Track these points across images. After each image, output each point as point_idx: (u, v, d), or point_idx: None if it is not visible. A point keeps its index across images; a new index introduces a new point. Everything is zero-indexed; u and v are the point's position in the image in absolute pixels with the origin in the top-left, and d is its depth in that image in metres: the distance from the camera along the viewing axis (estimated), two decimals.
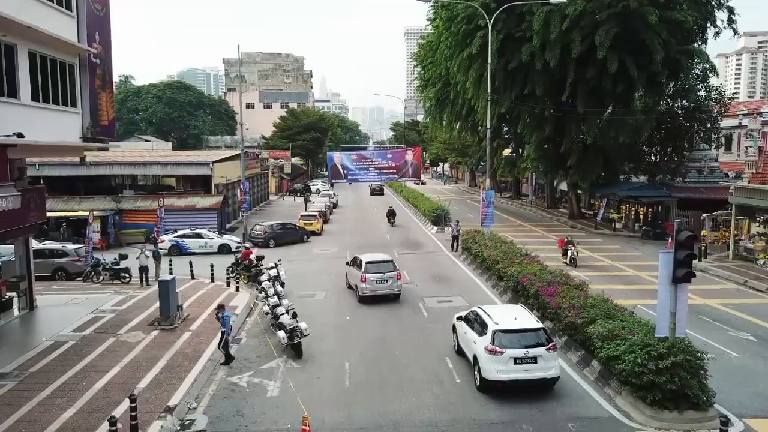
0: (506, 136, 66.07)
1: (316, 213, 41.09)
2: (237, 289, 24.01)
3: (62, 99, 18.38)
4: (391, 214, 43.97)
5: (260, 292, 20.74)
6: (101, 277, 25.46)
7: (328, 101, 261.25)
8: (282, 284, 23.13)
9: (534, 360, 13.01)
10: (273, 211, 54.82)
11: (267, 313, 18.23)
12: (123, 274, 25.41)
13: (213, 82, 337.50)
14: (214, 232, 36.17)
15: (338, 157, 34.65)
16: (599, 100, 38.35)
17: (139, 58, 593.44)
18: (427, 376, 14.82)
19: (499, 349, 13.03)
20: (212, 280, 25.99)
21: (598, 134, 38.17)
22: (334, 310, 21.10)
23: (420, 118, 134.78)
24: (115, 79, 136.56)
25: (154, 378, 14.36)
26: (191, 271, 26.78)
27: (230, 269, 26.03)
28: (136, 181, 50.42)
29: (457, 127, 66.32)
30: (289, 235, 36.28)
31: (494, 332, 13.32)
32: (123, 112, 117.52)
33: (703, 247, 29.60)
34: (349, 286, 23.73)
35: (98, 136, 20.52)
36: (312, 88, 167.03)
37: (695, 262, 29.47)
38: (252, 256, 26.58)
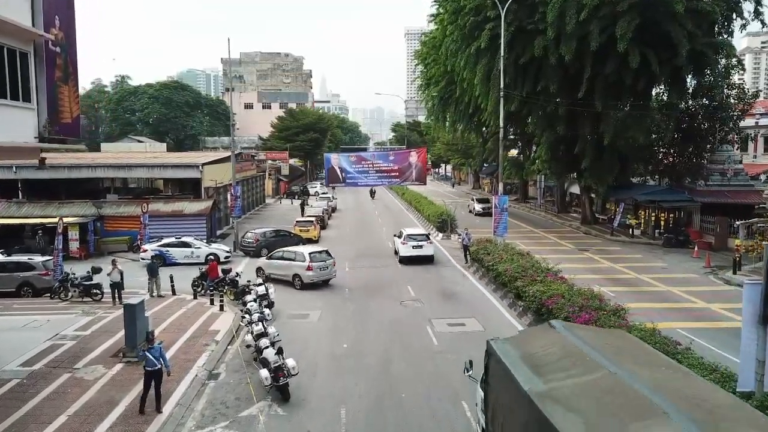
0: (512, 137, 63.46)
1: (313, 219, 38.37)
2: (221, 308, 21.33)
3: (11, 92, 15.65)
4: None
5: (245, 314, 18.06)
6: (70, 294, 22.78)
7: (328, 102, 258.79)
8: (270, 304, 20.47)
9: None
10: (268, 216, 52.10)
11: (249, 346, 15.52)
12: (94, 291, 22.71)
13: (213, 83, 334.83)
14: (202, 240, 33.51)
15: (336, 159, 31.90)
16: (617, 97, 35.68)
17: (140, 59, 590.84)
18: (439, 426, 12.16)
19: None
20: (195, 297, 23.34)
21: (615, 134, 35.52)
22: (330, 335, 18.41)
23: (421, 118, 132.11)
24: (111, 79, 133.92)
25: None
26: (172, 286, 24.10)
27: (195, 283, 23.45)
28: (127, 184, 47.87)
29: (461, 127, 63.67)
30: (283, 243, 33.26)
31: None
32: (119, 113, 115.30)
33: (737, 258, 26.87)
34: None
35: (58, 135, 17.86)
36: (311, 88, 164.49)
37: (730, 274, 26.98)
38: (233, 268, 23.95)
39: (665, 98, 40.07)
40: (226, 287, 23.61)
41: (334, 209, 55.39)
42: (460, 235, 37.65)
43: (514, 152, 66.71)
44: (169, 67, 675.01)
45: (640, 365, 7.56)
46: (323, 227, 42.50)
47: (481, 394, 9.89)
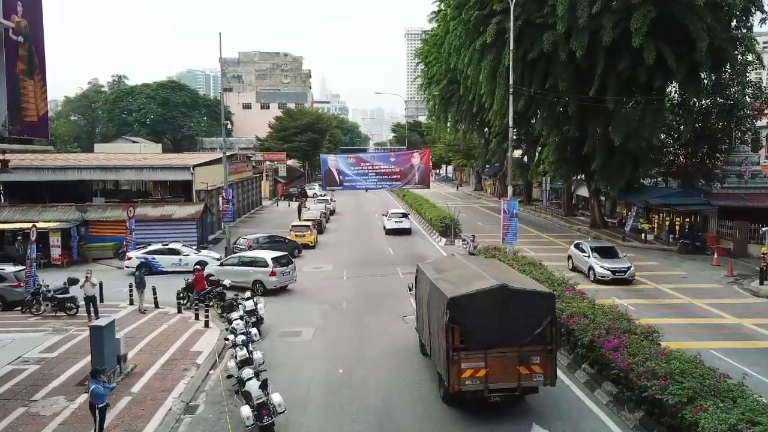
0: (516, 137, 61.67)
1: (310, 224, 36.49)
2: (206, 324, 19.49)
3: None
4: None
5: (230, 334, 16.22)
6: (42, 308, 20.93)
7: (328, 102, 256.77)
8: (259, 320, 18.64)
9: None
10: (264, 219, 50.27)
11: (230, 376, 13.64)
12: (69, 305, 20.87)
13: (213, 84, 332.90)
14: (192, 246, 31.69)
15: (333, 161, 29.99)
16: (630, 95, 33.86)
17: (139, 59, 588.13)
18: None
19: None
20: (179, 310, 21.48)
21: (628, 134, 33.72)
22: (325, 357, 16.56)
23: (421, 118, 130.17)
24: (108, 79, 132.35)
25: None
26: (155, 298, 22.25)
27: (181, 295, 21.76)
28: (120, 187, 45.96)
29: (462, 127, 61.91)
30: (277, 250, 31.64)
31: None
32: (115, 113, 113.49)
33: (763, 267, 25.01)
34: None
35: (21, 135, 16.05)
36: (311, 88, 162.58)
37: (757, 285, 25.11)
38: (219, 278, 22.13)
39: (678, 97, 38.39)
40: (213, 300, 21.83)
41: (332, 212, 53.56)
42: (464, 240, 35.86)
43: (518, 153, 64.90)
44: (168, 67, 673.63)
45: (491, 268, 14.62)
46: (321, 231, 40.67)
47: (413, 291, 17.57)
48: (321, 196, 56.47)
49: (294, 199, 63.91)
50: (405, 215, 41.57)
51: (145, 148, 75.55)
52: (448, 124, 66.15)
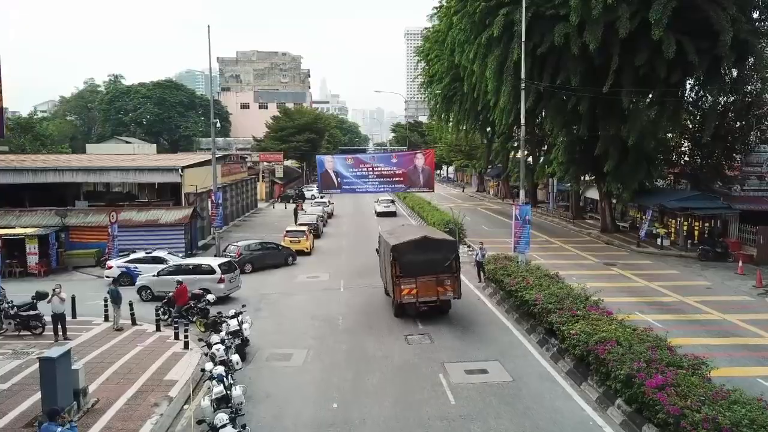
0: (519, 137, 59.65)
1: (305, 229, 34.38)
2: (186, 345, 17.42)
3: None
4: None
5: (209, 360, 14.19)
6: (4, 327, 18.86)
7: (327, 102, 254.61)
8: (245, 342, 16.61)
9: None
10: (258, 223, 48.17)
11: (200, 421, 11.51)
12: (33, 323, 18.80)
13: (212, 84, 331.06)
14: (179, 253, 29.66)
15: (330, 162, 27.81)
16: (645, 92, 31.82)
17: (138, 59, 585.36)
18: None
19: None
20: (157, 328, 19.43)
21: (643, 133, 31.71)
22: (316, 387, 14.49)
23: (422, 119, 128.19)
24: (104, 78, 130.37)
25: None
26: (132, 314, 20.18)
27: (161, 310, 19.87)
28: (110, 189, 43.86)
29: (465, 126, 59.91)
30: (270, 257, 29.67)
31: None
32: (111, 113, 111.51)
33: None
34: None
35: None
36: (309, 87, 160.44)
37: None
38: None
39: (694, 94, 36.38)
40: (195, 317, 19.79)
41: (330, 215, 51.49)
42: (469, 246, 33.81)
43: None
44: (168, 67, 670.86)
45: (422, 229, 24.66)
46: (317, 236, 38.61)
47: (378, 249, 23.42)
48: (318, 198, 54.32)
49: (291, 201, 61.80)
50: (392, 201, 52.64)
51: (139, 149, 73.58)
52: (450, 124, 64.11)
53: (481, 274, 25.10)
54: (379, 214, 50.17)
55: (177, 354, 16.85)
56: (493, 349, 16.98)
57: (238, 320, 16.79)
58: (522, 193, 24.43)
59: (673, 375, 10.98)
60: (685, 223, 33.22)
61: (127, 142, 78.25)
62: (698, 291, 24.06)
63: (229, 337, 16.09)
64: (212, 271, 22.88)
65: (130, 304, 20.17)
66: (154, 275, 23.68)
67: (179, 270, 23.42)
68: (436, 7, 53.65)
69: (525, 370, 15.22)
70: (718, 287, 24.83)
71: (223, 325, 16.98)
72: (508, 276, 20.72)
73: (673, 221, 34.23)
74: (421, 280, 18.87)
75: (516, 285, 19.31)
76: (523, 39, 24.67)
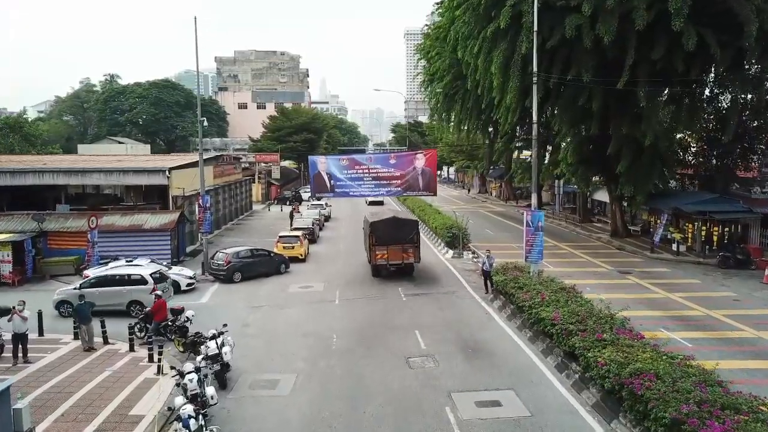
0: (525, 137, 57.76)
1: (299, 234, 32.43)
2: (159, 370, 15.46)
3: None
4: None
5: (179, 394, 12.27)
6: None
7: (327, 102, 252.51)
8: (224, 368, 14.68)
9: None
10: (252, 227, 46.20)
11: None
12: None
13: (210, 84, 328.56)
14: (164, 261, 27.75)
15: (323, 163, 25.79)
16: (661, 88, 29.90)
17: (138, 60, 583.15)
18: None
19: None
20: (131, 348, 17.49)
21: (660, 133, 29.80)
22: (305, 423, 12.55)
23: (422, 119, 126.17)
24: (100, 78, 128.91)
25: None
26: (104, 332, 18.24)
27: (137, 326, 18.14)
28: (100, 191, 41.81)
29: (466, 126, 58.03)
30: (260, 266, 27.70)
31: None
32: (106, 113, 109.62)
33: None
34: None
35: None
36: (308, 87, 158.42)
37: None
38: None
39: (708, 91, 34.48)
40: (173, 336, 17.85)
41: (327, 218, 49.64)
42: (474, 253, 31.91)
43: (526, 154, 60.99)
44: (167, 67, 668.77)
45: (395, 211, 35.76)
46: (313, 241, 36.64)
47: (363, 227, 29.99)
48: (315, 201, 52.39)
49: (288, 203, 59.87)
50: (381, 203, 55.66)
51: (132, 150, 71.54)
52: (451, 124, 62.22)
53: (489, 284, 23.17)
54: (370, 203, 53.89)
55: (149, 381, 14.90)
56: (506, 374, 15.03)
57: (217, 342, 14.85)
58: (534, 197, 22.42)
59: (733, 424, 9.04)
60: (703, 227, 31.27)
61: (120, 143, 76.20)
62: (725, 303, 22.12)
63: (208, 362, 14.21)
64: (143, 281, 21.07)
65: (102, 323, 18.20)
66: (75, 288, 21.44)
67: (104, 281, 21.37)
68: (438, 2, 51.80)
69: (544, 402, 13.28)
70: (746, 299, 22.88)
71: (202, 347, 15.12)
72: (520, 289, 18.77)
73: (690, 226, 32.29)
74: (391, 248, 25.52)
75: (530, 300, 17.37)
76: (535, 27, 22.58)
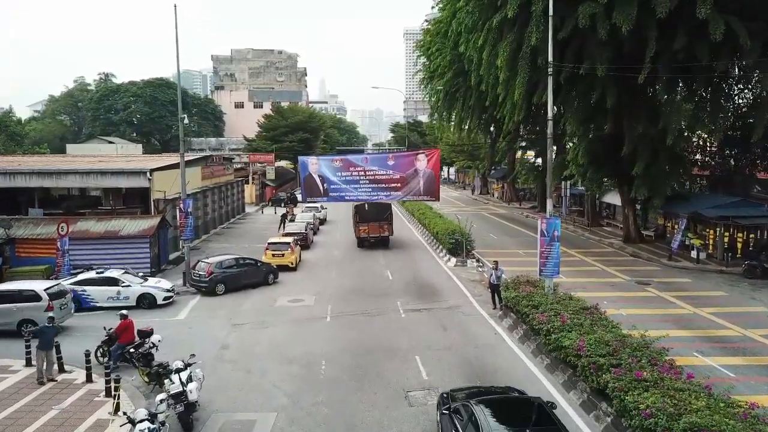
0: (527, 135, 55.59)
1: (290, 240, 30.10)
2: (116, 408, 13.13)
3: None
4: None
5: None
6: None
7: (326, 102, 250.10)
8: (189, 407, 12.36)
9: None
10: (243, 231, 43.88)
11: None
12: None
13: (208, 83, 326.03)
14: (142, 271, 25.48)
15: (315, 165, 23.51)
16: (685, 82, 27.65)
17: (137, 60, 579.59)
18: None
19: None
20: (88, 378, 15.17)
21: (681, 131, 27.57)
22: None
23: (422, 118, 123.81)
24: (95, 76, 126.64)
25: None
26: (59, 358, 15.90)
27: (100, 351, 16.16)
28: (87, 193, 39.42)
29: (467, 125, 55.85)
30: (246, 276, 25.36)
31: None
32: (100, 112, 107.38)
33: None
34: None
35: None
36: (306, 86, 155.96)
37: None
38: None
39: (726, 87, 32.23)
40: (137, 364, 15.52)
41: (323, 221, 47.31)
42: (479, 261, 29.61)
43: (530, 154, 58.80)
44: (166, 67, 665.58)
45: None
46: (306, 247, 34.30)
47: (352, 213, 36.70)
48: (310, 203, 50.02)
49: (282, 204, 57.58)
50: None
51: (123, 149, 69.29)
52: (452, 122, 60.05)
53: (497, 299, 20.87)
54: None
55: (100, 423, 12.60)
56: None
57: (181, 378, 12.55)
58: (549, 203, 19.98)
59: None
60: (726, 233, 29.01)
61: (110, 143, 73.89)
62: (762, 321, 19.82)
63: (170, 402, 11.94)
64: (37, 298, 18.72)
65: (57, 347, 15.87)
66: None
67: None
68: None
69: None
70: None
71: (166, 381, 12.86)
72: (535, 308, 16.44)
73: (711, 231, 30.02)
74: (371, 224, 33.48)
75: (547, 323, 15.04)
76: (551, 11, 20.24)
